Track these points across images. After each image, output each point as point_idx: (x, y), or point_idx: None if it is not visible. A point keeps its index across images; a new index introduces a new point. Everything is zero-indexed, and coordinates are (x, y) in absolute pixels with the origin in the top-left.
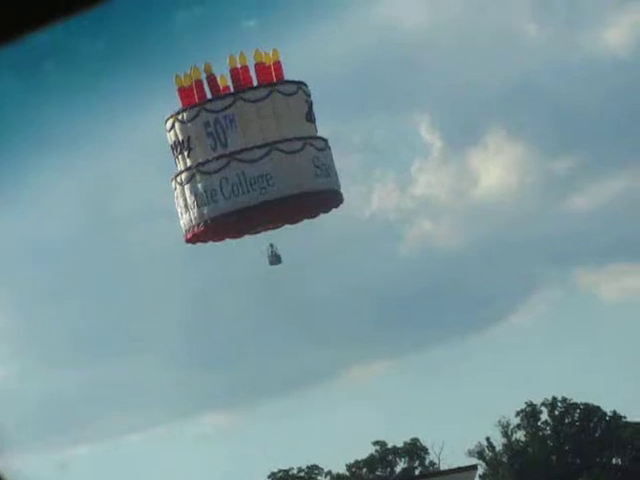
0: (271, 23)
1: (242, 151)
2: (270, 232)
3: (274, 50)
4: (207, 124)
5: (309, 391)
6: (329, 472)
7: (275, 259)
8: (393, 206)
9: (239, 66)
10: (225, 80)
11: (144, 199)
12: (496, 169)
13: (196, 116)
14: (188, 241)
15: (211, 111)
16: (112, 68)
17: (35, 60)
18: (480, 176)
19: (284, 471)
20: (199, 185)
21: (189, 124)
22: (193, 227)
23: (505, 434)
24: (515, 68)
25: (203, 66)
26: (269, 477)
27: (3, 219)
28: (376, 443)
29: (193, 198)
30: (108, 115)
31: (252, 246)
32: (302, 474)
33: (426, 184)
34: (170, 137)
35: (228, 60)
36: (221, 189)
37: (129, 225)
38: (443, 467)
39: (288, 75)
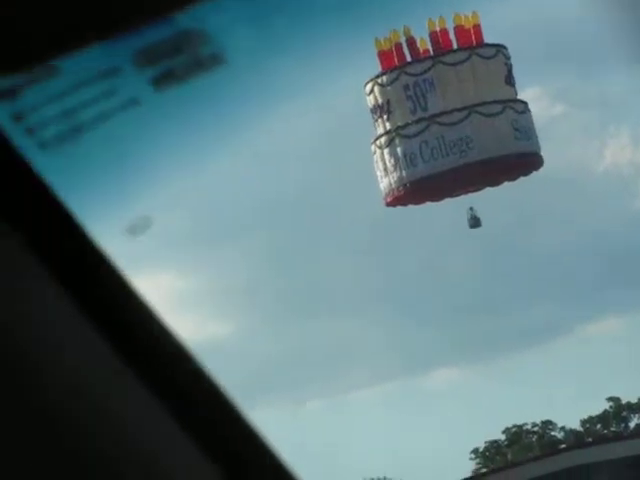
0: None
1: (441, 114)
2: (472, 195)
3: (473, 13)
4: (407, 87)
5: (542, 347)
6: (563, 427)
7: (475, 222)
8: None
9: (438, 29)
10: (425, 43)
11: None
12: None
13: (396, 79)
14: (388, 204)
15: (411, 74)
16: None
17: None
18: None
19: (518, 426)
20: (399, 149)
21: (389, 87)
22: (393, 190)
23: None
24: None
25: (402, 29)
26: (503, 432)
27: (219, 173)
28: (610, 399)
29: (393, 161)
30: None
31: (457, 209)
32: (536, 429)
33: None
34: (370, 100)
35: (427, 23)
36: (421, 152)
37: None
38: None
39: (500, 37)
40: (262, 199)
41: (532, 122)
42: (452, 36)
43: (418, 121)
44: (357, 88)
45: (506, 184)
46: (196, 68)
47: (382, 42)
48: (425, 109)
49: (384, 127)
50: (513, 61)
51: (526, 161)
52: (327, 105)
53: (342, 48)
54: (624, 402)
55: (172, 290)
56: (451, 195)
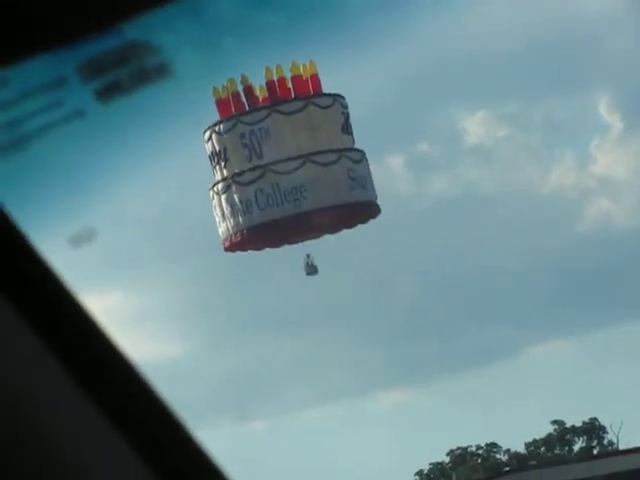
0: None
1: (277, 163)
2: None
3: (311, 62)
4: (243, 135)
5: (487, 369)
6: (507, 450)
7: (311, 269)
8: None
9: (276, 78)
10: (264, 91)
11: None
12: None
13: (232, 127)
14: (227, 249)
15: (247, 123)
16: None
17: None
18: None
19: (462, 448)
20: (235, 195)
21: (225, 135)
22: (230, 236)
23: None
24: None
25: (240, 78)
26: (447, 454)
27: None
28: (554, 422)
29: (230, 208)
30: None
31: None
32: (480, 452)
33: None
34: (208, 148)
35: (265, 72)
36: (256, 200)
37: None
38: (622, 447)
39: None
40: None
41: (369, 171)
42: (290, 85)
43: (254, 169)
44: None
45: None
46: (142, 79)
47: (220, 90)
48: (261, 157)
49: (221, 174)
50: (465, 84)
51: (362, 210)
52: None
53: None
54: (568, 425)
55: (118, 308)
56: (290, 242)
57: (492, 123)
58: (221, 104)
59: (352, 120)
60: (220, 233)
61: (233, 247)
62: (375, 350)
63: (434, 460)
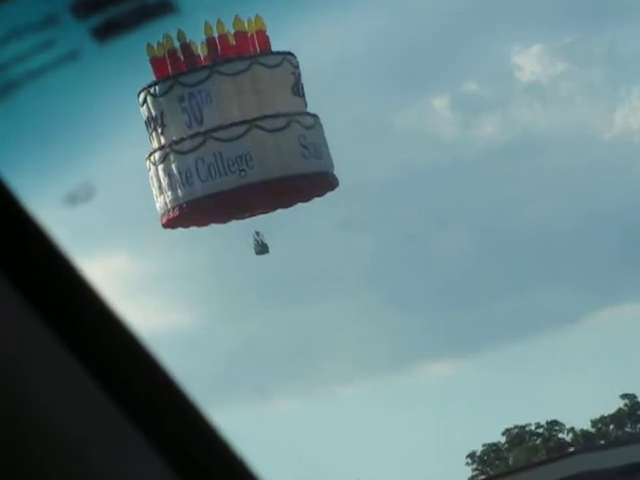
0: None
1: (219, 129)
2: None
3: (257, 17)
4: (181, 99)
5: (546, 337)
6: (572, 429)
7: (262, 248)
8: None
9: (217, 35)
10: (205, 50)
11: None
12: None
13: (169, 90)
14: (165, 225)
15: (185, 85)
16: None
17: None
18: None
19: (520, 427)
20: (173, 165)
21: (161, 98)
22: (169, 211)
23: None
24: None
25: (177, 34)
26: (503, 434)
27: None
28: (624, 396)
29: (168, 179)
30: None
31: None
32: (541, 430)
33: None
34: (143, 112)
35: (204, 28)
36: (197, 170)
37: None
38: None
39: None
40: None
41: (323, 138)
42: (233, 42)
43: (194, 136)
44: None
45: None
46: (144, 16)
47: (155, 48)
48: (201, 123)
49: (158, 142)
50: (516, 14)
51: (316, 182)
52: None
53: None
54: None
55: (123, 274)
56: (238, 217)
57: (548, 58)
58: (156, 63)
59: (391, 57)
60: (157, 208)
61: (172, 223)
62: (415, 318)
63: (488, 441)
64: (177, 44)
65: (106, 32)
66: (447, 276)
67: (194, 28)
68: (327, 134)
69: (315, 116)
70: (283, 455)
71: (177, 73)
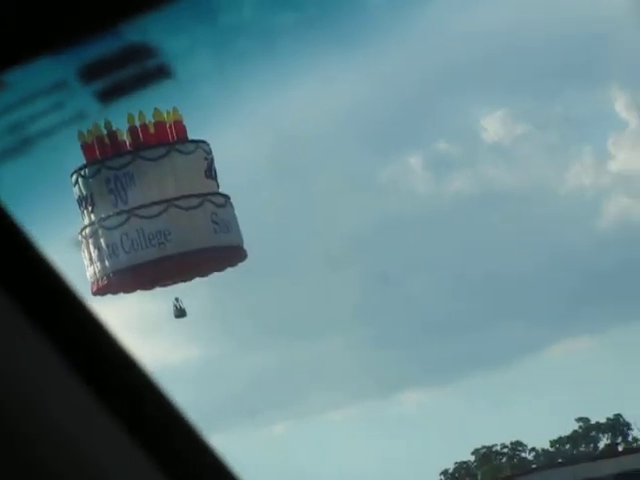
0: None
1: (141, 207)
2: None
3: (174, 109)
4: (108, 181)
5: (510, 367)
6: (533, 448)
7: (179, 312)
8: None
9: (138, 124)
10: (129, 137)
11: None
12: None
13: (97, 172)
14: (95, 293)
15: (111, 168)
16: None
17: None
18: None
19: (487, 447)
20: (102, 240)
21: (91, 180)
22: (97, 280)
23: None
24: None
25: (104, 122)
26: (472, 453)
27: None
28: (579, 419)
29: (97, 252)
30: None
31: None
32: (506, 450)
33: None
34: (75, 192)
35: (127, 118)
36: (122, 244)
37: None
38: None
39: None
40: None
41: (234, 215)
42: (153, 131)
43: (119, 214)
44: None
45: None
46: (143, 81)
47: (85, 134)
48: (126, 202)
49: (89, 218)
50: (482, 82)
51: (226, 254)
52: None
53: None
54: (593, 422)
55: (135, 312)
56: (161, 285)
57: (510, 120)
58: (86, 148)
59: (371, 120)
60: (88, 277)
61: (101, 291)
62: (395, 352)
63: (459, 459)
64: (104, 131)
65: (110, 95)
66: (423, 314)
67: (120, 118)
68: (312, 189)
69: (226, 196)
70: (278, 475)
71: (104, 158)
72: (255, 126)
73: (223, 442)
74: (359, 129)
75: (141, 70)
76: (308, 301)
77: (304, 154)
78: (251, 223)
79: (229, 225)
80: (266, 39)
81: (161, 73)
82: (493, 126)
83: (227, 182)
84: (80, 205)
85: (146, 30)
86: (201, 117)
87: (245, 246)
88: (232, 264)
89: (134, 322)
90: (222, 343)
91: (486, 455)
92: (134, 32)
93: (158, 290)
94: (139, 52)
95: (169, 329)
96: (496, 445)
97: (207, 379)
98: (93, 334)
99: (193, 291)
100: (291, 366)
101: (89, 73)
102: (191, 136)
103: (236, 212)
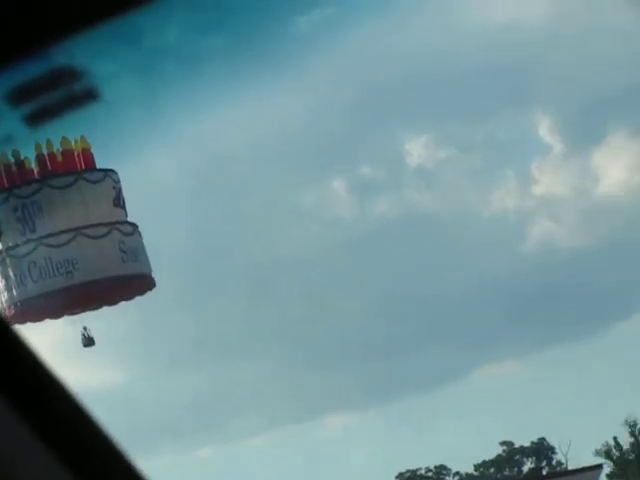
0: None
1: (49, 236)
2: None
3: (82, 138)
4: (16, 209)
5: (434, 391)
6: (457, 472)
7: (88, 342)
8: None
9: (46, 153)
10: (37, 165)
11: None
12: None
13: (5, 201)
14: None
15: (19, 197)
16: None
17: None
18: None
19: (412, 471)
20: (9, 269)
21: None
22: (5, 309)
23: (632, 434)
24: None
25: (11, 151)
26: (397, 477)
27: None
28: (503, 443)
29: (4, 281)
30: None
31: None
32: (430, 474)
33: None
34: None
35: (34, 147)
36: (30, 273)
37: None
38: (570, 467)
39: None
40: None
41: (141, 243)
42: (61, 159)
43: (27, 242)
44: None
45: None
46: (71, 104)
47: None
48: (34, 231)
49: None
50: (406, 106)
51: (134, 282)
52: None
53: None
54: (517, 446)
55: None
56: (68, 313)
57: (434, 145)
58: None
59: (295, 144)
60: None
61: (9, 320)
62: (321, 375)
63: None
64: (12, 160)
65: (38, 118)
66: (349, 338)
67: (27, 146)
68: (236, 213)
69: (134, 225)
70: None
71: (12, 186)
72: (180, 149)
73: (150, 466)
74: (283, 152)
75: (68, 93)
76: (234, 326)
77: (228, 177)
78: (169, 248)
79: (137, 253)
80: (193, 62)
81: (89, 96)
82: (417, 150)
83: (145, 206)
84: None
85: (73, 53)
86: (121, 141)
87: (165, 270)
88: (140, 293)
89: (53, 349)
90: (146, 367)
91: (411, 479)
92: (60, 55)
93: (86, 314)
94: (66, 75)
95: (85, 357)
96: (420, 469)
97: (133, 403)
98: (18, 357)
99: (119, 316)
100: (218, 390)
101: (16, 96)
102: (110, 162)
103: (157, 236)
